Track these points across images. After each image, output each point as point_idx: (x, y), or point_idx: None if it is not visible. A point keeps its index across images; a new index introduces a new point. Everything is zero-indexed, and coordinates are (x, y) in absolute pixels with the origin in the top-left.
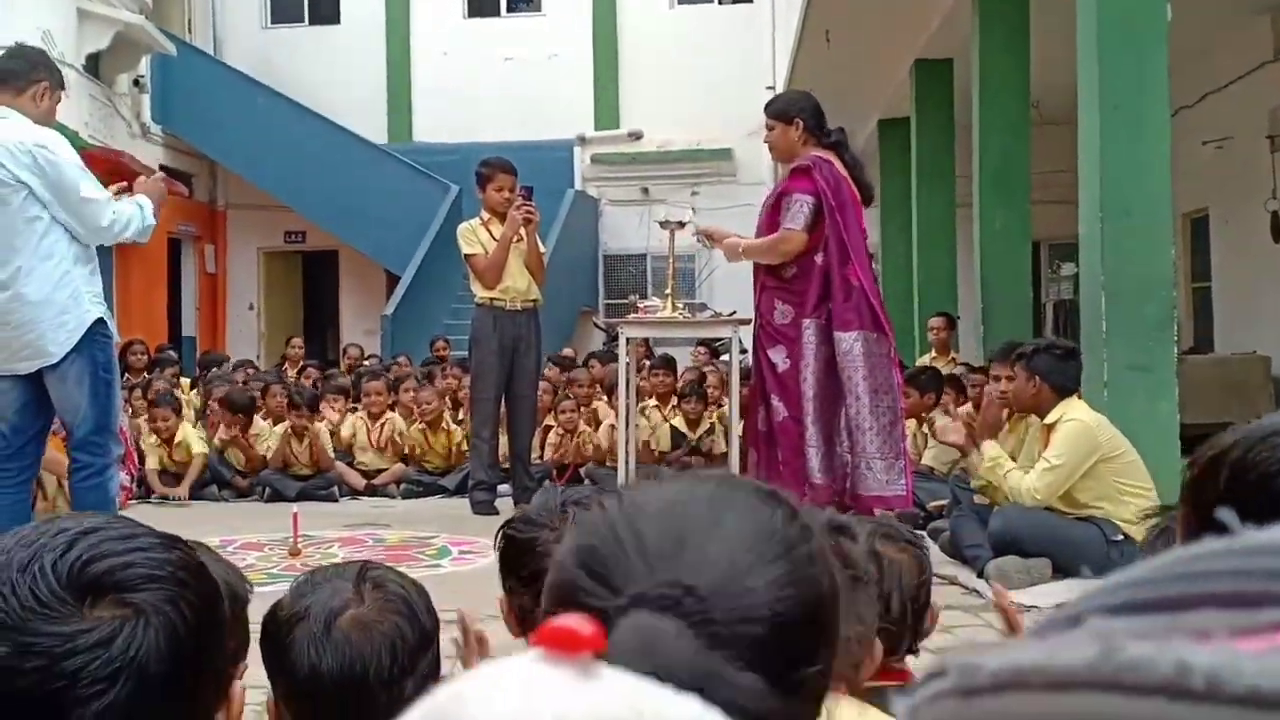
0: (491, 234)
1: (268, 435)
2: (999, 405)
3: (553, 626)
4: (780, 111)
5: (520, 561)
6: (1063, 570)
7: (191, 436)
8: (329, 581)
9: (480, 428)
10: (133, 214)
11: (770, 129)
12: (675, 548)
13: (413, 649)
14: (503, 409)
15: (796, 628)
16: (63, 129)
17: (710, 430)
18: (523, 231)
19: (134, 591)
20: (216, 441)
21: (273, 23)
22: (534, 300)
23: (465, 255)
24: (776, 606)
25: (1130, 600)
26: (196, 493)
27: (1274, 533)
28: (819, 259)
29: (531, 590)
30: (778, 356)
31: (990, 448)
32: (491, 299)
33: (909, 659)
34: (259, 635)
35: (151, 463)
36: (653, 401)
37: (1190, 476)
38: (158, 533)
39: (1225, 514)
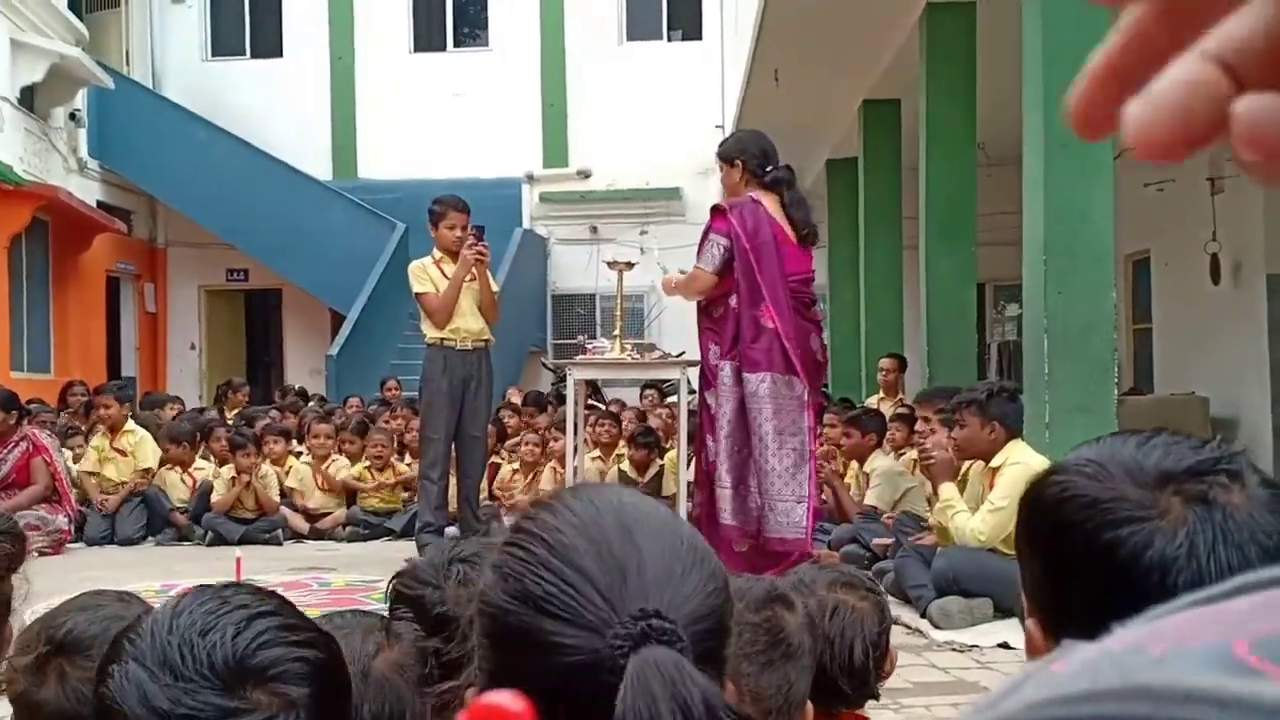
0: (443, 272)
1: (211, 475)
2: (954, 451)
3: (484, 704)
4: (724, 153)
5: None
6: (1005, 610)
7: (144, 446)
8: (353, 627)
9: (429, 469)
10: None
11: (720, 170)
12: (621, 579)
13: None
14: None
15: (724, 618)
16: None
17: (659, 474)
18: (474, 270)
19: (291, 685)
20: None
21: (213, 55)
22: (485, 340)
23: (416, 294)
24: (709, 602)
25: None
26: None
27: (1124, 671)
28: (733, 301)
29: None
30: (711, 398)
31: (945, 490)
32: (442, 339)
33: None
34: None
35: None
36: (595, 453)
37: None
38: (312, 624)
39: (1068, 641)
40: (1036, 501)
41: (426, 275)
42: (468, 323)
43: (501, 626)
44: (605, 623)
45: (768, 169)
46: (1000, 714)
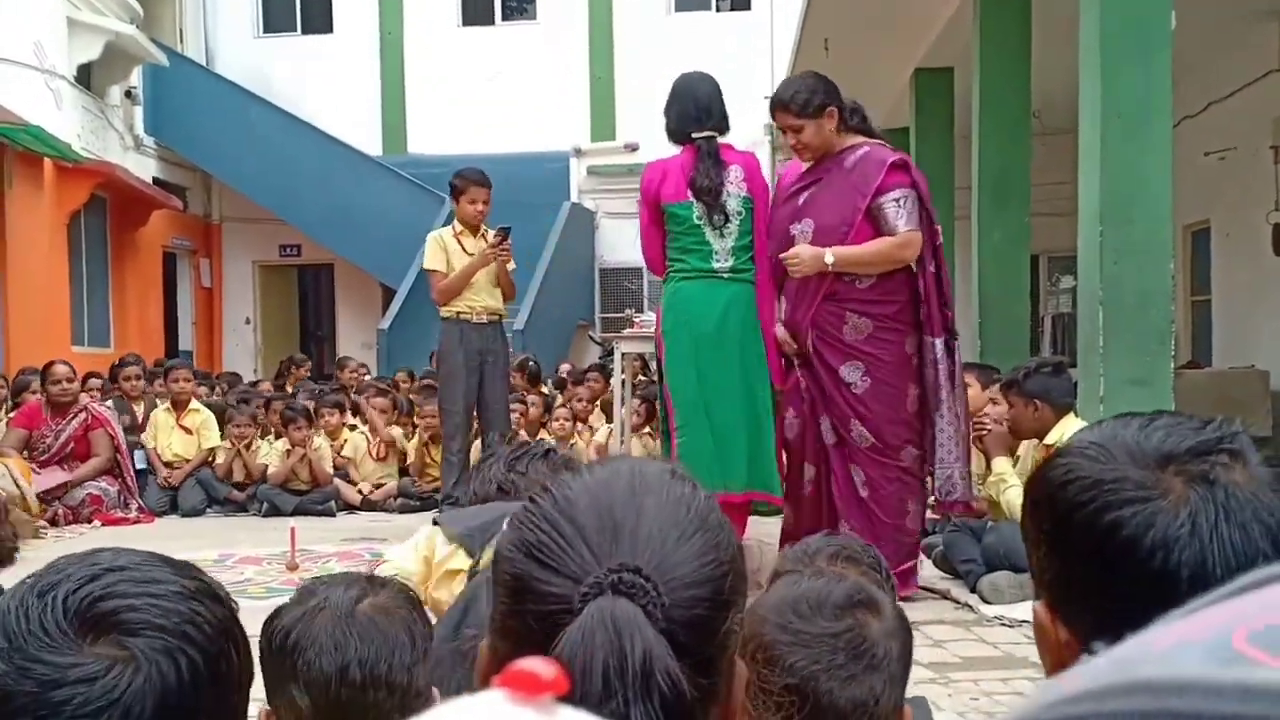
0: (462, 245)
1: (266, 451)
2: (1008, 427)
3: (515, 670)
4: (808, 105)
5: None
6: None
7: (209, 426)
8: (337, 582)
9: (449, 440)
10: None
11: (798, 130)
12: (613, 535)
13: (423, 637)
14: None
15: (720, 590)
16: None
17: None
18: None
19: (133, 636)
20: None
21: (265, 32)
22: (499, 314)
23: (425, 268)
24: (703, 572)
25: None
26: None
27: (1126, 668)
28: (931, 266)
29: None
30: (854, 375)
31: (999, 464)
32: (458, 312)
33: None
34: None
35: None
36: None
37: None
38: (185, 582)
39: (1098, 646)
40: (1042, 484)
41: (442, 249)
42: (482, 298)
43: (502, 574)
44: (586, 573)
45: (850, 111)
46: (1012, 716)
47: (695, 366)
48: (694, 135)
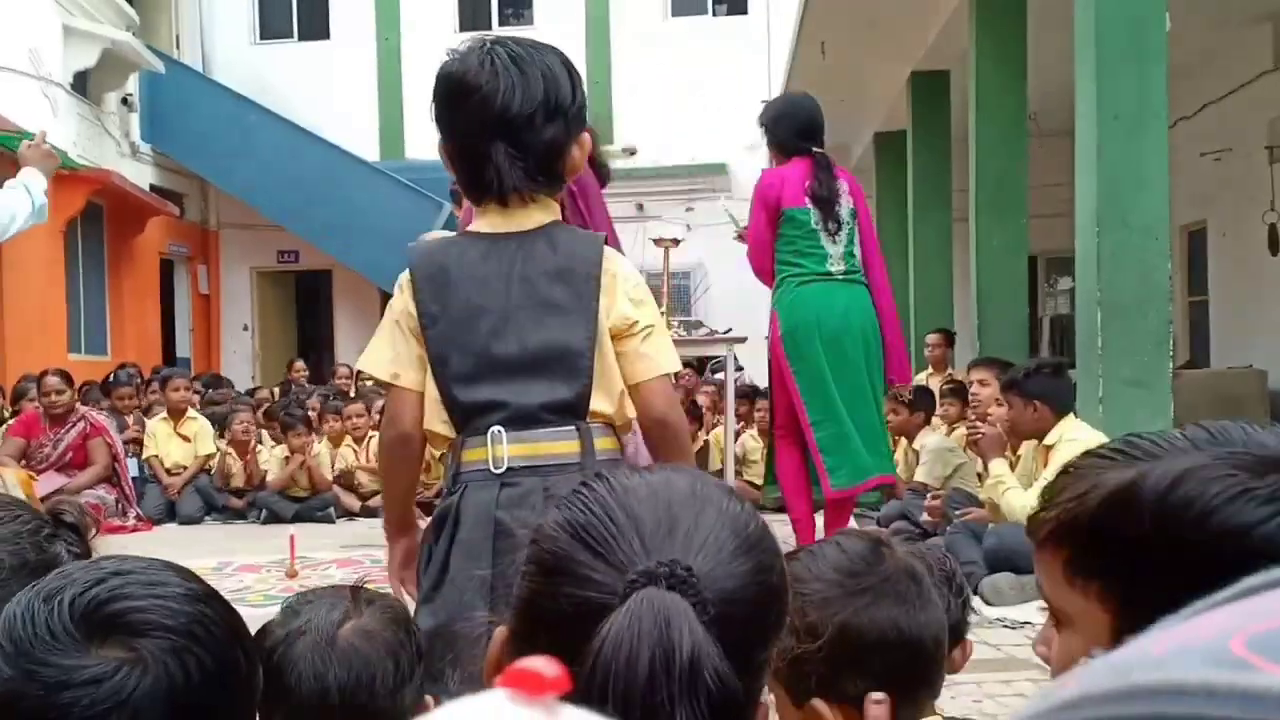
0: None
1: (266, 458)
2: (1004, 426)
3: (518, 669)
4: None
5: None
6: None
7: (205, 434)
8: (322, 599)
9: None
10: (16, 204)
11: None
12: (668, 532)
13: (411, 658)
14: None
15: (762, 613)
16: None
17: (704, 449)
18: None
19: (140, 637)
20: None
21: (262, 38)
22: None
23: None
24: (749, 591)
25: None
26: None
27: (1124, 673)
28: None
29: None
30: None
31: (996, 466)
32: None
33: None
34: None
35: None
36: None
37: (1075, 514)
38: (192, 585)
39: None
40: (1133, 493)
41: None
42: None
43: (541, 553)
44: (634, 565)
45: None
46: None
47: (827, 364)
48: (812, 149)
